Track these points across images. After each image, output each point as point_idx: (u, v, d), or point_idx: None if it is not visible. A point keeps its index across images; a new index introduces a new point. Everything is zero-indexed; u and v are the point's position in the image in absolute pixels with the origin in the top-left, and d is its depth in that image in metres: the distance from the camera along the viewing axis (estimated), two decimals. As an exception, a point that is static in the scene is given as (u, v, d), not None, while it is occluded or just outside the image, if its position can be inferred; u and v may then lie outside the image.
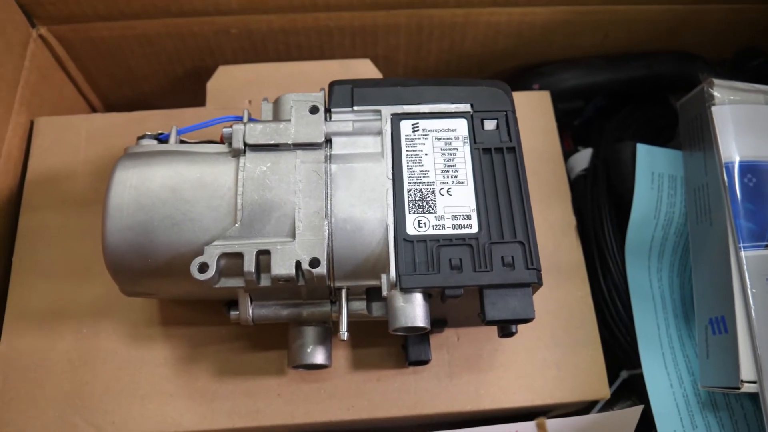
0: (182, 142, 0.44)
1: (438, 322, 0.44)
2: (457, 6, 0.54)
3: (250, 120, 0.42)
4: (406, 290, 0.37)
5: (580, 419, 0.46)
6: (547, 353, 0.47)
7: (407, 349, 0.43)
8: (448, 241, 0.38)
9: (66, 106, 0.57)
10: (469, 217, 0.39)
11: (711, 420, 0.50)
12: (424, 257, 0.38)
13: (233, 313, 0.41)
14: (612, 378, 0.55)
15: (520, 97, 0.54)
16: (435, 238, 0.38)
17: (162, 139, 0.44)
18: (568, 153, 0.61)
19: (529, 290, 0.38)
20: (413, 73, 0.60)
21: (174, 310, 0.47)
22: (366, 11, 0.54)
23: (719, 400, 0.51)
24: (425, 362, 0.44)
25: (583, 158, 0.59)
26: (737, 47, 0.62)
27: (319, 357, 0.42)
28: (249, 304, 0.41)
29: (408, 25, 0.55)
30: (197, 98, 0.54)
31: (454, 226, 0.38)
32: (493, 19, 0.55)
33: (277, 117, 0.42)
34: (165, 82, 0.59)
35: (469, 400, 0.45)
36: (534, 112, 0.54)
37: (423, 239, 0.38)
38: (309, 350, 0.42)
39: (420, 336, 0.43)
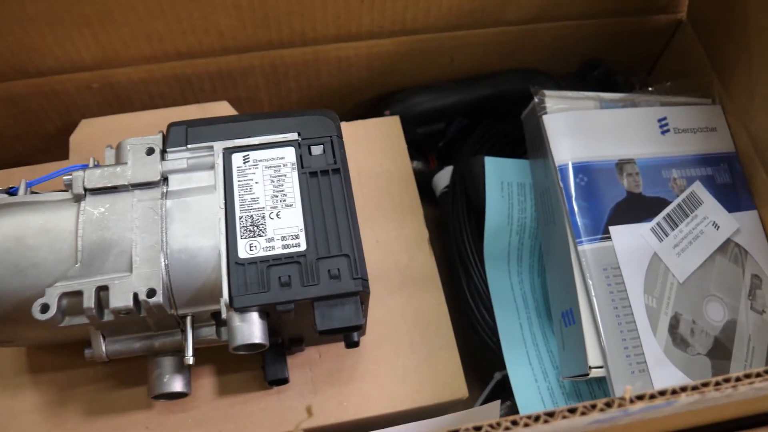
0: (33, 193, 0.46)
1: (295, 341, 0.47)
2: (305, 45, 0.57)
3: (95, 166, 0.45)
4: (241, 310, 0.39)
5: (441, 419, 0.48)
6: (407, 360, 0.49)
7: (264, 370, 0.45)
8: (278, 260, 0.40)
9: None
10: (297, 237, 0.41)
11: (577, 409, 0.53)
12: (255, 278, 0.40)
13: (87, 351, 0.43)
14: (489, 382, 0.58)
15: (372, 124, 0.58)
16: (265, 259, 0.40)
17: (12, 192, 0.45)
18: (434, 172, 0.65)
19: (357, 299, 0.40)
20: (278, 110, 0.63)
21: (42, 356, 0.48)
22: (218, 56, 0.57)
23: (583, 389, 0.54)
24: (284, 381, 0.46)
25: (445, 176, 0.63)
26: (579, 60, 0.67)
27: (177, 385, 0.44)
28: (101, 340, 0.42)
29: (262, 67, 0.59)
30: (67, 153, 0.56)
31: (284, 246, 0.41)
32: (341, 54, 0.59)
33: (118, 161, 0.45)
34: (36, 140, 0.61)
35: (333, 412, 0.47)
36: (385, 136, 0.57)
37: (254, 261, 0.40)
38: (166, 379, 0.44)
39: (275, 355, 0.45)
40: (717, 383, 0.29)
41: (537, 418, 0.27)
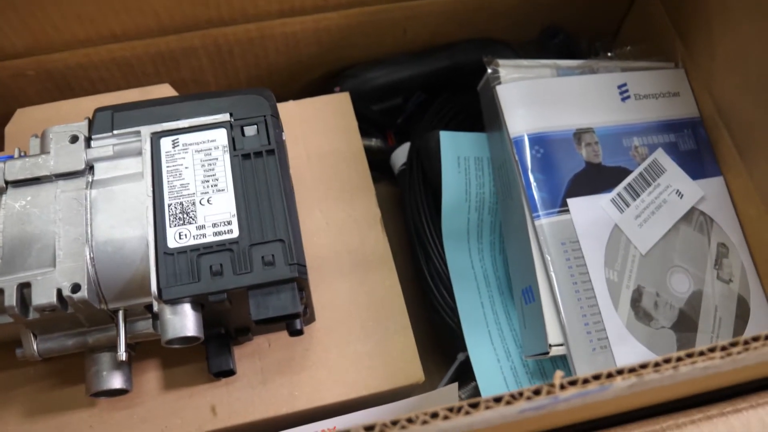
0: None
1: (241, 330, 0.45)
2: (247, 21, 0.55)
3: (19, 157, 0.42)
4: (172, 302, 0.38)
5: (399, 404, 0.46)
6: (359, 345, 0.47)
7: (208, 362, 0.44)
8: (209, 248, 0.39)
9: None
10: (230, 223, 0.39)
11: (541, 388, 0.52)
12: (185, 267, 0.38)
13: (18, 351, 0.41)
14: (452, 363, 0.56)
15: (320, 102, 0.56)
16: (196, 248, 0.39)
17: (-66, 188, 0.43)
18: (392, 149, 0.63)
19: (293, 285, 0.38)
20: (226, 92, 0.61)
21: (-21, 358, 0.46)
22: (157, 37, 0.54)
23: (547, 367, 0.53)
24: (230, 372, 0.44)
25: (402, 153, 0.61)
26: (539, 27, 0.64)
27: (116, 382, 0.42)
28: (32, 339, 0.41)
29: (205, 46, 0.56)
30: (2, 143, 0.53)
31: (215, 233, 0.39)
32: (287, 30, 0.57)
33: (42, 151, 0.42)
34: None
35: (284, 403, 0.45)
36: (335, 114, 0.55)
37: (184, 250, 0.38)
38: (104, 375, 0.42)
39: (219, 347, 0.43)
40: (656, 364, 0.28)
41: (459, 410, 0.25)
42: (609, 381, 0.27)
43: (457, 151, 0.56)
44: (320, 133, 0.54)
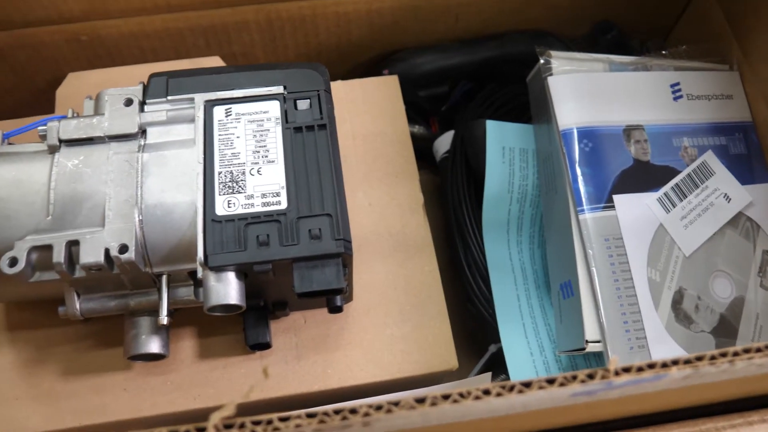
0: (9, 144, 0.44)
1: (279, 305, 0.45)
2: (302, -1, 0.55)
3: (73, 117, 0.43)
4: (217, 269, 0.38)
5: (431, 389, 0.46)
6: (395, 329, 0.47)
7: (245, 333, 0.44)
8: (257, 218, 0.39)
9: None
10: (278, 194, 0.39)
11: (574, 385, 0.51)
12: (232, 236, 0.38)
13: (61, 309, 0.41)
14: (484, 354, 0.56)
15: (369, 83, 0.56)
16: (243, 217, 0.39)
17: (-11, 143, 0.44)
18: (435, 137, 0.63)
19: (338, 261, 0.38)
20: (274, 69, 0.61)
21: (20, 314, 0.46)
22: (212, 9, 0.54)
23: (580, 364, 0.52)
24: (266, 345, 0.44)
25: (446, 140, 0.60)
26: (592, 22, 0.64)
27: (153, 346, 0.42)
28: (75, 298, 0.41)
29: (257, 21, 0.56)
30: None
31: (264, 204, 0.39)
32: (341, 10, 0.56)
33: (96, 112, 0.43)
34: (26, 93, 0.59)
35: (317, 380, 0.45)
36: (382, 96, 0.55)
37: (232, 218, 0.39)
38: (142, 340, 0.42)
39: (257, 319, 0.44)
40: (713, 357, 0.27)
41: (511, 388, 0.25)
42: (664, 370, 0.26)
43: (502, 141, 0.55)
44: (367, 115, 0.54)
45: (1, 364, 0.45)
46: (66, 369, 0.45)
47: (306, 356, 0.46)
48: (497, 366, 0.55)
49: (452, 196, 0.57)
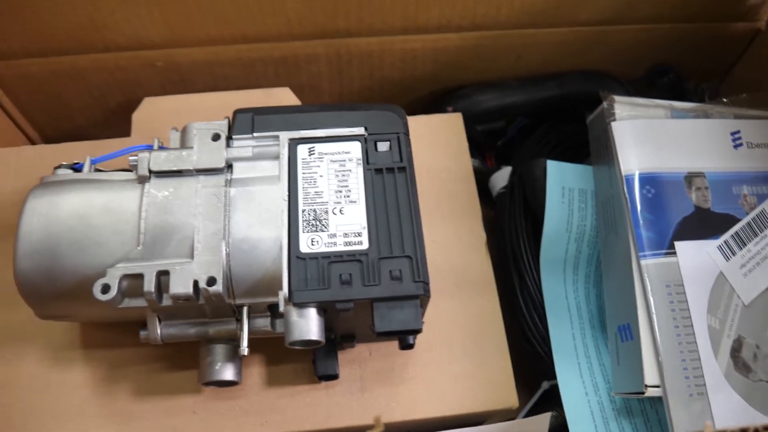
0: (98, 170, 0.46)
1: (347, 337, 0.46)
2: (371, 35, 0.56)
3: (160, 148, 0.44)
4: (300, 305, 0.39)
5: (488, 428, 0.47)
6: (457, 365, 0.48)
7: (315, 364, 0.45)
8: (339, 257, 0.40)
9: (3, 139, 0.60)
10: (360, 234, 0.41)
11: (626, 426, 0.52)
12: (316, 273, 0.39)
13: (143, 333, 0.43)
14: (536, 390, 0.57)
15: (434, 120, 0.57)
16: (327, 255, 0.40)
17: (77, 168, 0.46)
18: (491, 172, 0.64)
19: (417, 302, 0.39)
20: (338, 100, 0.63)
21: (95, 333, 0.48)
22: (284, 42, 0.56)
23: (634, 406, 0.53)
24: (334, 377, 0.45)
25: (503, 176, 0.61)
26: (649, 65, 0.65)
27: (227, 374, 0.44)
28: (157, 323, 0.42)
29: (327, 55, 0.58)
30: (128, 129, 0.56)
31: (346, 243, 0.40)
32: (407, 46, 0.58)
33: (183, 145, 0.44)
34: (98, 114, 0.61)
35: (380, 412, 0.46)
36: (447, 133, 0.56)
37: (315, 256, 0.40)
38: (218, 367, 0.43)
39: (327, 351, 0.45)
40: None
41: None
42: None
43: (562, 181, 0.56)
44: (431, 151, 0.55)
45: (76, 380, 0.47)
46: (138, 389, 0.47)
47: (371, 388, 0.47)
48: (547, 402, 0.56)
49: (510, 232, 0.58)
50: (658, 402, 0.52)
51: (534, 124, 0.64)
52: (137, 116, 0.55)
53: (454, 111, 0.58)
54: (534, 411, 0.55)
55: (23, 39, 0.54)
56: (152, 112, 0.55)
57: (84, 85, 0.58)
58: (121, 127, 0.56)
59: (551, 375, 0.55)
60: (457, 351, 0.49)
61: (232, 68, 0.58)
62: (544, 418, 0.48)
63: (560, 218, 0.56)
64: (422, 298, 0.40)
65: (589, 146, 0.58)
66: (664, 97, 0.57)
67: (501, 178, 0.62)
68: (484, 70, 0.61)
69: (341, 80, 0.61)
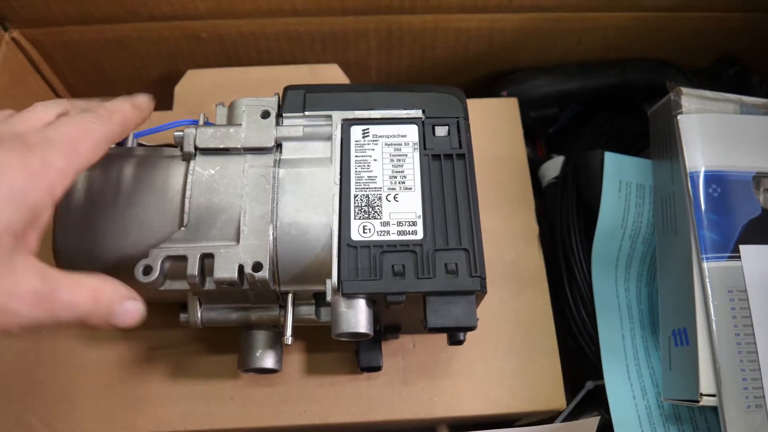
0: (140, 145, 0.44)
1: (391, 328, 0.44)
2: (426, 12, 0.54)
3: (206, 124, 0.42)
4: (349, 296, 0.37)
5: (534, 429, 0.45)
6: (504, 362, 0.46)
7: (358, 355, 0.43)
8: (392, 247, 0.38)
9: (41, 108, 0.58)
10: (414, 224, 0.38)
11: (674, 432, 0.50)
12: (367, 263, 0.37)
13: (183, 316, 0.41)
14: (578, 389, 0.55)
15: (488, 104, 0.54)
16: (379, 244, 0.38)
17: (119, 143, 0.44)
18: (541, 160, 0.61)
19: (473, 298, 0.37)
20: (385, 79, 0.60)
21: (132, 311, 0.47)
22: (334, 17, 0.54)
23: (683, 413, 0.51)
24: (377, 368, 0.44)
25: (555, 166, 0.59)
26: (714, 56, 0.61)
27: (268, 361, 0.42)
28: (198, 307, 0.41)
29: (377, 31, 0.55)
30: (169, 102, 0.54)
31: (399, 232, 0.38)
32: (462, 26, 0.55)
33: (230, 121, 0.42)
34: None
35: (422, 407, 0.45)
36: (501, 119, 0.54)
37: (367, 245, 0.38)
38: (258, 354, 0.42)
39: (371, 342, 0.43)
40: None
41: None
42: None
43: (620, 174, 0.53)
44: (484, 137, 0.53)
45: (112, 359, 0.46)
46: (174, 371, 0.45)
47: (413, 382, 0.45)
48: (589, 402, 0.54)
49: (561, 225, 0.55)
50: (709, 410, 0.49)
51: (587, 112, 0.62)
52: (180, 89, 0.53)
53: (508, 95, 0.56)
54: (575, 411, 0.53)
55: (65, 5, 0.52)
56: (195, 85, 0.54)
57: (125, 55, 0.57)
58: (162, 99, 0.54)
59: (595, 374, 0.53)
60: (504, 347, 0.47)
61: (278, 42, 0.56)
62: (593, 422, 0.46)
63: (616, 213, 0.53)
64: (478, 293, 0.38)
65: (649, 139, 0.55)
66: (729, 91, 0.54)
67: (552, 167, 0.59)
68: (541, 54, 0.58)
69: (389, 58, 0.58)
